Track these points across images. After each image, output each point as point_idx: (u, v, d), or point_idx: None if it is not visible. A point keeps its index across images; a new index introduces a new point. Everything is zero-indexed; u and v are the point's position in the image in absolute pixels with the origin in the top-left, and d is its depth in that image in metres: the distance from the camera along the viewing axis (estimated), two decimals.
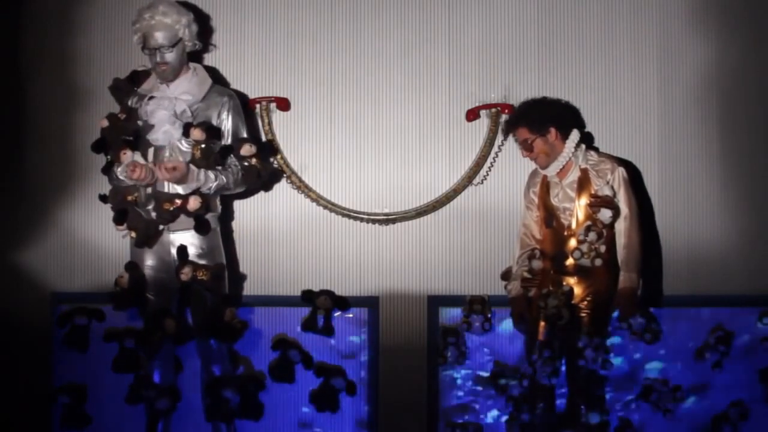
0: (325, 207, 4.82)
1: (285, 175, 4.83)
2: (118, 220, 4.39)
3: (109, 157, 4.49)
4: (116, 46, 4.87)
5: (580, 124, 4.71)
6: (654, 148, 4.84)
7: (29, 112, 4.90)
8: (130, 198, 4.40)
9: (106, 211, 4.75)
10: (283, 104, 4.84)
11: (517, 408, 4.40)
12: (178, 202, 4.35)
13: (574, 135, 4.45)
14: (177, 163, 4.32)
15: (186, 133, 4.40)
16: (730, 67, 4.85)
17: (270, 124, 4.82)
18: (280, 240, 4.84)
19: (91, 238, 4.85)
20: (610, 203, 4.35)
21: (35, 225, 4.86)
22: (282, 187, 4.85)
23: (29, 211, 4.87)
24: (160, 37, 4.39)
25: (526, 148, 4.44)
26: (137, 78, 4.58)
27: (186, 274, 4.35)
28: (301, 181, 4.82)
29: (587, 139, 4.71)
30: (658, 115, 4.85)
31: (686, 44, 4.85)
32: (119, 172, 4.38)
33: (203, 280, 4.37)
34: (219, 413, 4.44)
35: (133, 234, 4.39)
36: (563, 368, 4.39)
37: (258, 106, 4.82)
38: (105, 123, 4.47)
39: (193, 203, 4.35)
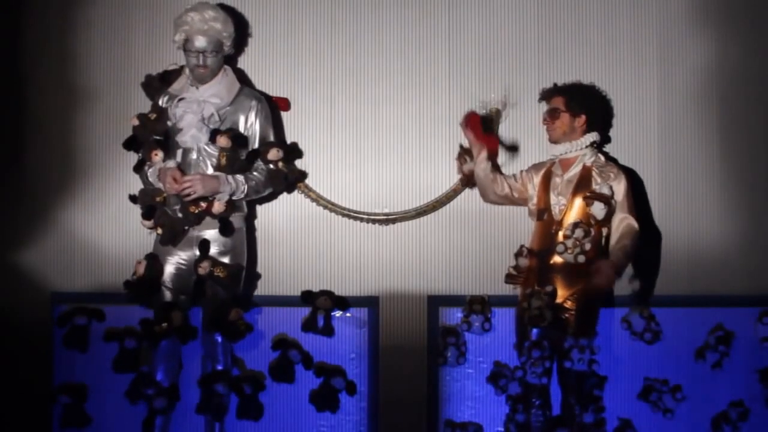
0: (325, 207, 4.82)
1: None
2: (147, 215, 4.44)
3: (140, 155, 4.53)
4: (116, 46, 4.86)
5: (606, 128, 4.74)
6: (654, 148, 4.84)
7: (29, 112, 4.89)
8: (158, 199, 4.44)
9: (106, 212, 4.78)
10: (283, 104, 4.83)
11: (514, 408, 4.41)
12: (204, 204, 4.40)
13: (594, 134, 4.50)
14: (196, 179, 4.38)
15: (212, 139, 4.43)
16: (730, 67, 4.85)
17: None
18: (280, 240, 4.84)
19: (91, 238, 4.84)
20: (605, 200, 4.35)
21: (35, 225, 4.86)
22: None
23: (29, 211, 4.87)
24: (206, 41, 4.42)
25: (552, 115, 4.47)
26: (168, 77, 4.59)
27: (204, 268, 4.39)
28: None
29: (604, 141, 4.73)
30: (658, 116, 4.85)
31: (686, 44, 4.85)
32: (150, 173, 4.47)
33: (219, 277, 4.40)
34: (209, 407, 4.45)
35: (159, 231, 4.43)
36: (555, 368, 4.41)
37: None
38: (136, 121, 4.50)
39: (218, 206, 4.41)
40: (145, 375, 4.44)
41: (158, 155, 4.44)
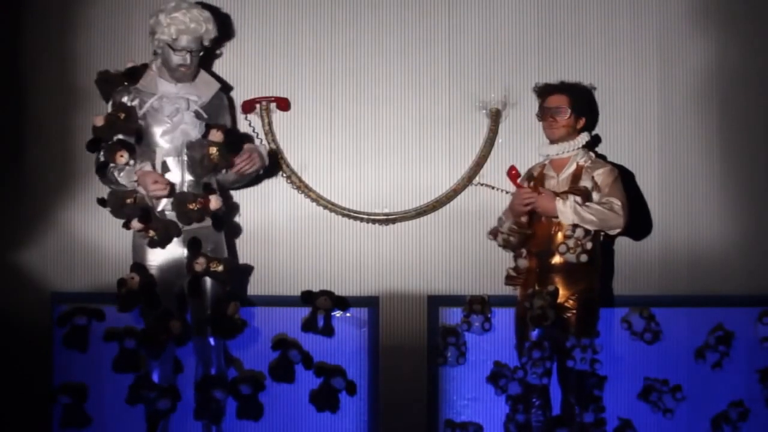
0: (325, 207, 4.82)
1: (285, 175, 4.83)
2: (145, 219, 4.32)
3: (101, 157, 4.39)
4: (116, 46, 4.87)
5: (592, 129, 4.76)
6: (654, 148, 4.84)
7: (29, 112, 4.89)
8: (128, 201, 4.35)
9: (106, 212, 4.74)
10: (283, 104, 4.84)
11: (514, 408, 4.41)
12: (202, 201, 4.37)
13: (585, 135, 4.52)
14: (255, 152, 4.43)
15: (205, 134, 4.40)
16: (730, 67, 4.86)
17: (270, 124, 4.83)
18: (280, 240, 4.84)
19: (91, 238, 4.85)
20: (583, 193, 4.35)
21: (35, 225, 4.86)
22: (282, 187, 4.85)
23: (29, 211, 4.87)
24: (193, 41, 4.40)
25: (556, 113, 4.44)
26: (136, 75, 4.49)
27: (200, 264, 4.36)
28: (301, 181, 4.82)
29: (594, 142, 4.73)
30: (658, 115, 4.85)
31: (686, 44, 4.86)
32: (122, 176, 4.35)
33: (217, 272, 4.39)
34: (207, 412, 4.44)
35: (151, 234, 4.34)
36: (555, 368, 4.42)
37: (258, 106, 4.82)
38: (100, 121, 4.36)
39: (215, 202, 4.38)
40: (143, 378, 4.42)
41: (123, 156, 4.32)
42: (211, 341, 4.48)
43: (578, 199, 4.32)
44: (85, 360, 4.68)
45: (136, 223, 4.33)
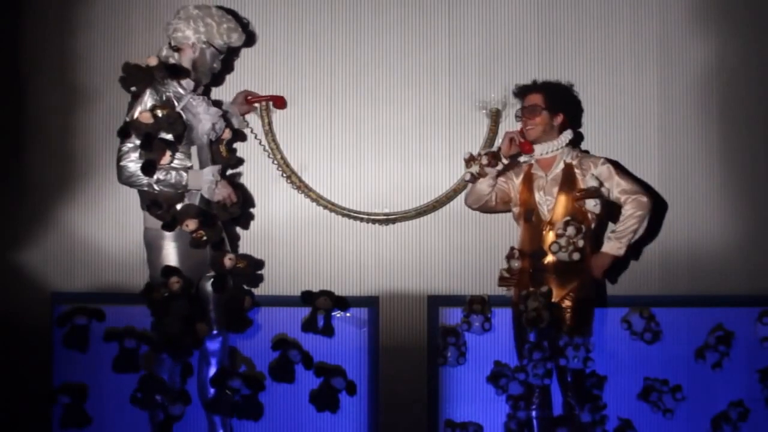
0: (325, 207, 4.82)
1: (285, 175, 4.83)
2: (211, 223, 4.33)
3: (148, 156, 4.21)
4: (116, 46, 4.86)
5: (578, 126, 4.75)
6: (654, 148, 4.84)
7: (29, 112, 4.89)
8: (179, 205, 4.31)
9: (106, 212, 4.77)
10: (279, 102, 4.81)
11: (515, 406, 4.41)
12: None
13: (569, 133, 4.51)
14: None
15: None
16: (730, 67, 4.86)
17: (270, 124, 4.82)
18: (280, 240, 4.84)
19: (91, 238, 4.84)
20: (594, 194, 4.36)
21: (35, 225, 4.86)
22: (282, 187, 4.85)
23: (29, 211, 4.87)
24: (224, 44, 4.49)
25: (532, 113, 4.44)
26: (181, 71, 4.38)
27: (232, 260, 4.40)
28: (301, 181, 4.82)
29: (577, 140, 4.73)
30: (658, 115, 4.85)
31: (686, 44, 4.86)
32: (174, 176, 4.27)
33: (240, 268, 4.44)
34: (222, 405, 4.44)
35: (201, 234, 4.30)
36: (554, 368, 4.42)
37: (258, 106, 4.81)
38: (149, 118, 4.20)
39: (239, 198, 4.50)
40: (158, 381, 4.39)
41: (170, 156, 4.29)
42: (219, 338, 4.47)
43: (614, 235, 4.37)
44: (85, 360, 4.68)
45: (192, 224, 4.27)
